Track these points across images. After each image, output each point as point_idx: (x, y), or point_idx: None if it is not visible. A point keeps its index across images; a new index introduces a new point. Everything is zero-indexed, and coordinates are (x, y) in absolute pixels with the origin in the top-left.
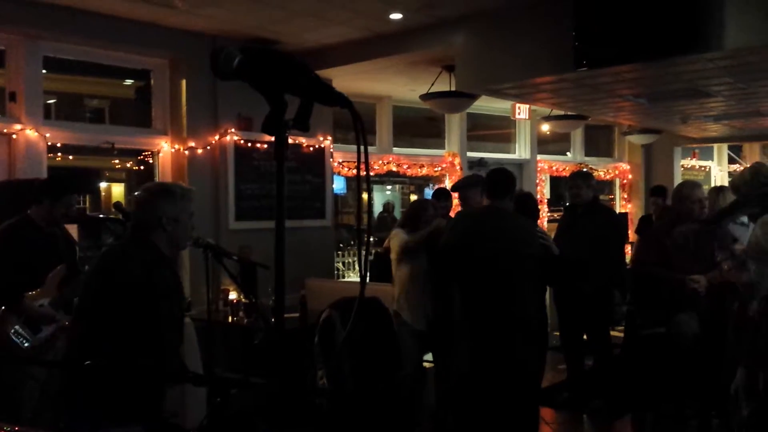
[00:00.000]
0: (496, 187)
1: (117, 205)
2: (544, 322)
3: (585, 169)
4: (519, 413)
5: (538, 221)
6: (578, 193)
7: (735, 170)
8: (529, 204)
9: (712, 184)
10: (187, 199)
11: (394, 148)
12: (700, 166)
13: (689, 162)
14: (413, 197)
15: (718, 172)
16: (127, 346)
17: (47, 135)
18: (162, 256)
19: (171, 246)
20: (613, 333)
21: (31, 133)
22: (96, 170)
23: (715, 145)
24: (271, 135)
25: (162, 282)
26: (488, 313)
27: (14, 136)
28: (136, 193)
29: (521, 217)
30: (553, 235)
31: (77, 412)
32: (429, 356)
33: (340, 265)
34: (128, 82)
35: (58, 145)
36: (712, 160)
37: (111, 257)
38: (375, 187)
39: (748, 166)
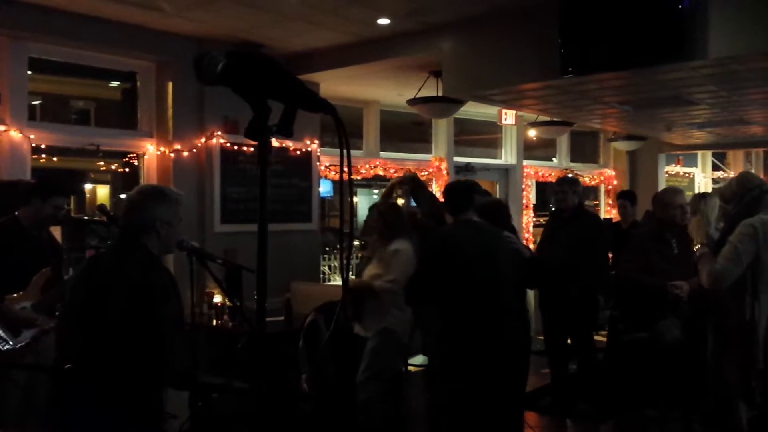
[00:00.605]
0: (456, 203)
1: (101, 207)
2: (527, 329)
3: (571, 175)
4: (507, 423)
5: (515, 227)
6: (564, 198)
7: (719, 177)
8: (500, 212)
9: (696, 191)
10: (179, 204)
11: (381, 153)
12: (685, 173)
13: (673, 168)
14: (400, 201)
15: (702, 178)
16: (126, 351)
17: (32, 136)
18: (156, 259)
19: (160, 250)
20: (596, 338)
21: (15, 135)
22: (81, 172)
23: (699, 152)
24: (255, 140)
25: (160, 284)
26: (476, 329)
27: None
28: (127, 195)
29: (489, 225)
30: (538, 240)
31: (69, 418)
32: (418, 359)
33: (326, 268)
34: (114, 84)
35: (43, 146)
36: (696, 166)
37: (103, 260)
38: (362, 191)
39: (735, 176)
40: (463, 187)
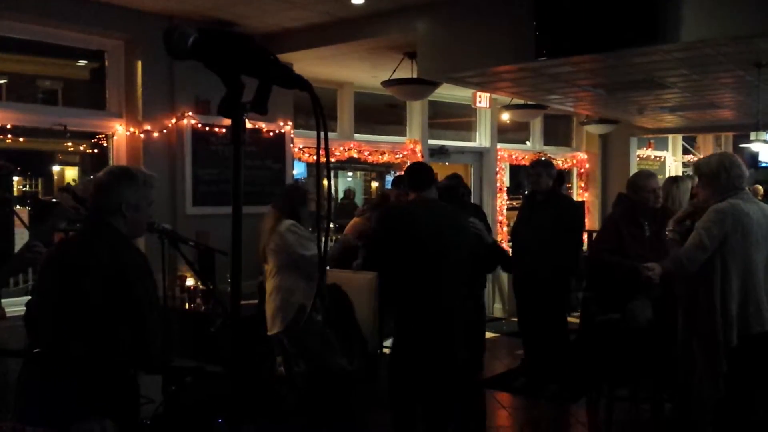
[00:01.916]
0: (419, 179)
1: (67, 188)
2: (480, 312)
3: (545, 158)
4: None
5: (480, 207)
6: (538, 180)
7: (689, 160)
8: (455, 192)
9: (667, 174)
10: (149, 186)
11: (356, 135)
12: (656, 156)
13: (645, 152)
14: (374, 184)
15: (673, 162)
16: (107, 334)
17: None
18: (126, 239)
19: (128, 233)
20: (569, 319)
21: None
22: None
23: (670, 136)
24: (228, 117)
25: (133, 264)
26: (414, 302)
27: None
28: (96, 175)
29: (451, 206)
30: (512, 223)
31: (35, 405)
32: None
33: None
34: (82, 62)
35: (9, 126)
36: (667, 150)
37: (72, 245)
38: (336, 173)
39: (719, 153)
40: (425, 167)
